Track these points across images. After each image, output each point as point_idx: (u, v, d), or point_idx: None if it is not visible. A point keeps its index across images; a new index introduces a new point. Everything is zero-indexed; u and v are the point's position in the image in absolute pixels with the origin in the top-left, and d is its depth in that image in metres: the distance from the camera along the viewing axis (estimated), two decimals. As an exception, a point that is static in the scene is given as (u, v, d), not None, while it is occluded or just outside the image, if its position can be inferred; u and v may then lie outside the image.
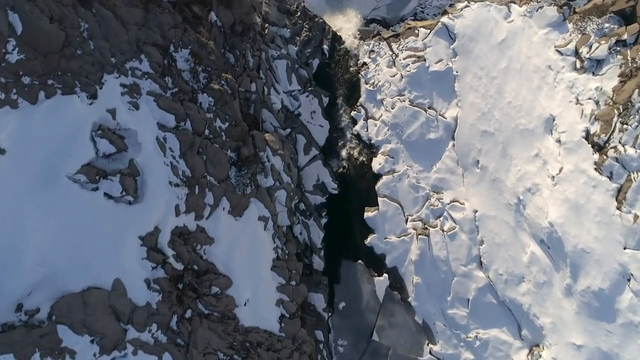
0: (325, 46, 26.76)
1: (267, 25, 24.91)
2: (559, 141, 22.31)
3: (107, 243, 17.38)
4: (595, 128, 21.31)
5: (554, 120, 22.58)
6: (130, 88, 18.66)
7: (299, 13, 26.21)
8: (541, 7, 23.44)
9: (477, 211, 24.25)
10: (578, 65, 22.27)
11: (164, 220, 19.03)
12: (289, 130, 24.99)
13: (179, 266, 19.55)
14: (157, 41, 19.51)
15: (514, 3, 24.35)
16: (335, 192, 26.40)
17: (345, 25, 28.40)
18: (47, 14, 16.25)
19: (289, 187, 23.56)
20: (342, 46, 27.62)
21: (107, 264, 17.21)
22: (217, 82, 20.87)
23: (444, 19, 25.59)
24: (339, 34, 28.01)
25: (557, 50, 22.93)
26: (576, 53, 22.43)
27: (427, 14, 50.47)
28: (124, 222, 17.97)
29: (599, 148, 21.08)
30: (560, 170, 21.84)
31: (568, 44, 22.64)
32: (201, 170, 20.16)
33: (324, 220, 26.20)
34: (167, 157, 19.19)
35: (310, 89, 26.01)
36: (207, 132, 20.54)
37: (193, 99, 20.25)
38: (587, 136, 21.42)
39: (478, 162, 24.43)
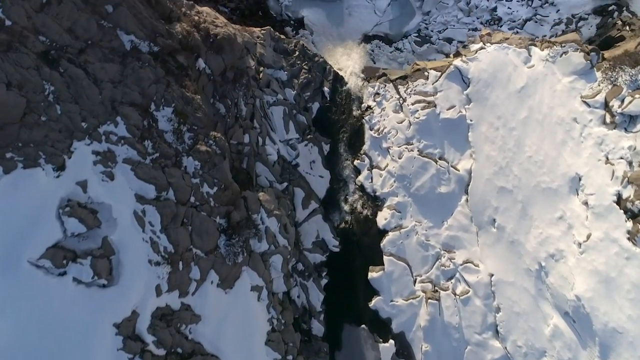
0: (326, 88, 24.41)
1: (262, 68, 22.60)
2: (586, 204, 20.04)
3: (76, 334, 15.23)
4: (628, 192, 19.06)
5: (580, 180, 20.33)
6: (104, 156, 16.38)
7: (297, 52, 23.87)
8: (565, 52, 21.17)
9: (493, 275, 21.95)
10: (608, 120, 20.02)
11: (142, 303, 16.76)
12: (285, 184, 22.68)
13: (161, 352, 17.28)
14: (135, 100, 17.20)
15: (535, 46, 22.07)
16: (337, 249, 24.06)
17: (349, 62, 26.07)
18: (3, 79, 13.99)
19: (286, 251, 21.25)
20: (344, 88, 25.27)
21: (76, 359, 15.07)
22: (205, 142, 18.56)
23: (457, 61, 23.27)
24: (341, 73, 25.67)
25: (584, 102, 20.66)
26: (606, 106, 20.16)
27: (432, 31, 48.12)
28: (96, 308, 15.79)
29: (633, 215, 18.82)
30: (588, 237, 19.58)
31: (596, 95, 20.36)
32: (186, 243, 17.85)
33: (324, 281, 23.85)
34: (146, 232, 16.91)
35: (309, 136, 23.69)
36: (192, 199, 18.23)
37: (177, 163, 17.94)
38: (619, 201, 19.18)
39: (494, 221, 22.12)
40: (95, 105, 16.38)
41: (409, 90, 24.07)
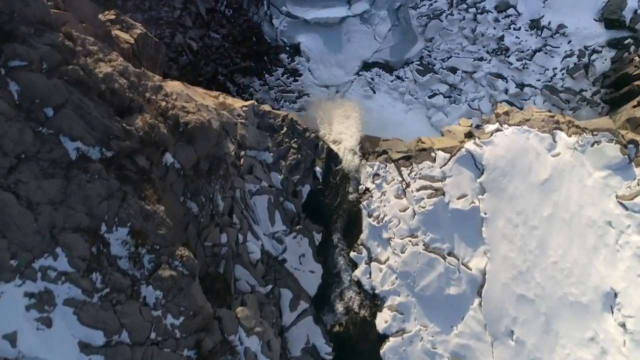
0: (318, 168, 21.24)
1: (243, 152, 19.46)
2: (623, 326, 17.01)
3: None
4: (675, 319, 16.01)
5: (615, 296, 17.33)
6: (40, 298, 13.28)
7: (285, 129, 20.70)
8: (598, 142, 18.14)
9: (511, 396, 18.84)
10: (650, 228, 16.95)
11: None
12: (270, 286, 19.52)
13: None
14: (81, 223, 14.04)
15: (560, 130, 18.96)
16: (330, 357, 20.88)
17: (346, 131, 22.88)
18: None
19: (269, 373, 18.11)
20: (339, 167, 22.08)
21: None
22: (169, 264, 15.39)
23: (469, 144, 20.13)
24: (335, 149, 22.49)
25: (620, 203, 17.65)
26: (647, 210, 17.10)
27: (435, 59, 44.99)
28: None
29: (682, 348, 15.77)
30: (627, 367, 16.53)
31: (636, 196, 17.37)
32: (145, 392, 14.69)
33: (314, 394, 20.71)
34: (92, 387, 13.79)
35: (298, 227, 20.52)
36: (153, 335, 15.06)
37: (134, 295, 14.77)
38: (665, 328, 16.11)
39: (512, 332, 19.01)
40: (29, 236, 13.23)
41: (413, 174, 20.94)
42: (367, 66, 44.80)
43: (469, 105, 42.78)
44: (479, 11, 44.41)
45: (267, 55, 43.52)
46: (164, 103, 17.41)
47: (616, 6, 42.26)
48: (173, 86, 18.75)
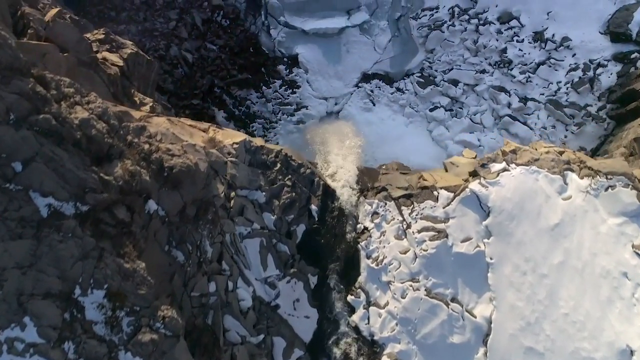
0: (313, 206, 20.02)
1: (233, 193, 18.26)
2: (640, 387, 15.78)
3: None
4: (698, 384, 14.82)
5: (632, 354, 16.12)
6: (4, 374, 12.07)
7: (278, 165, 19.48)
8: (612, 187, 16.96)
9: None
10: (669, 282, 15.77)
11: None
12: (262, 336, 18.31)
13: None
14: (52, 289, 12.84)
15: (572, 171, 17.74)
16: (325, 408, 19.73)
17: (343, 165, 21.63)
18: None
19: None
20: (336, 204, 20.86)
21: None
22: (150, 326, 14.19)
23: (474, 184, 18.94)
24: (332, 185, 21.27)
25: (637, 253, 16.51)
26: (666, 263, 15.92)
27: (436, 71, 43.93)
28: None
29: None
30: None
31: (653, 247, 16.12)
32: None
33: None
34: None
35: (292, 270, 19.31)
36: (132, 405, 13.85)
37: (111, 362, 13.56)
38: (686, 393, 14.93)
39: (520, 387, 17.83)
40: (-8, 305, 12.07)
41: (414, 214, 19.74)
42: (366, 78, 43.84)
43: (470, 119, 41.69)
44: (481, 22, 43.33)
45: (265, 67, 42.45)
46: (147, 146, 16.20)
47: (622, 19, 41.09)
48: (158, 124, 17.55)
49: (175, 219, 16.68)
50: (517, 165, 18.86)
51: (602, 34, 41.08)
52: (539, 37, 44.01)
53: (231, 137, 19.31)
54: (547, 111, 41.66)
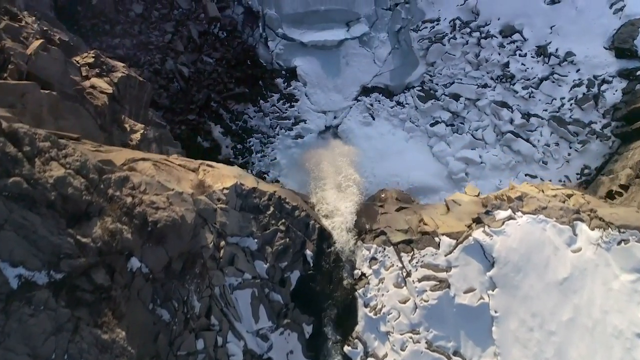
0: (308, 251, 19.01)
1: (223, 242, 17.26)
2: None
3: None
4: None
5: (645, 421, 15.07)
6: None
7: (271, 209, 18.47)
8: (625, 241, 15.99)
9: None
10: (686, 347, 14.77)
11: None
12: (253, 393, 17.38)
13: None
14: (19, 370, 11.81)
15: (582, 221, 16.75)
16: None
17: (340, 206, 20.61)
18: None
19: None
20: (332, 248, 19.85)
21: None
22: (130, 403, 13.19)
23: (478, 232, 17.94)
24: (328, 226, 20.26)
25: (652, 314, 15.40)
26: (683, 325, 14.92)
27: (437, 84, 43.03)
28: None
29: None
30: None
31: (669, 308, 15.11)
32: None
33: None
34: None
35: (286, 321, 18.31)
36: None
37: None
38: None
39: None
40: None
41: (414, 262, 18.74)
42: (366, 91, 43.03)
43: (472, 135, 40.80)
44: (482, 35, 42.43)
45: (262, 80, 41.51)
46: (129, 199, 15.18)
47: (627, 35, 40.08)
48: (143, 170, 16.54)
49: (160, 275, 15.67)
50: (524, 213, 17.87)
51: (606, 49, 40.08)
52: (542, 51, 43.00)
53: (222, 179, 18.33)
54: (551, 128, 40.68)
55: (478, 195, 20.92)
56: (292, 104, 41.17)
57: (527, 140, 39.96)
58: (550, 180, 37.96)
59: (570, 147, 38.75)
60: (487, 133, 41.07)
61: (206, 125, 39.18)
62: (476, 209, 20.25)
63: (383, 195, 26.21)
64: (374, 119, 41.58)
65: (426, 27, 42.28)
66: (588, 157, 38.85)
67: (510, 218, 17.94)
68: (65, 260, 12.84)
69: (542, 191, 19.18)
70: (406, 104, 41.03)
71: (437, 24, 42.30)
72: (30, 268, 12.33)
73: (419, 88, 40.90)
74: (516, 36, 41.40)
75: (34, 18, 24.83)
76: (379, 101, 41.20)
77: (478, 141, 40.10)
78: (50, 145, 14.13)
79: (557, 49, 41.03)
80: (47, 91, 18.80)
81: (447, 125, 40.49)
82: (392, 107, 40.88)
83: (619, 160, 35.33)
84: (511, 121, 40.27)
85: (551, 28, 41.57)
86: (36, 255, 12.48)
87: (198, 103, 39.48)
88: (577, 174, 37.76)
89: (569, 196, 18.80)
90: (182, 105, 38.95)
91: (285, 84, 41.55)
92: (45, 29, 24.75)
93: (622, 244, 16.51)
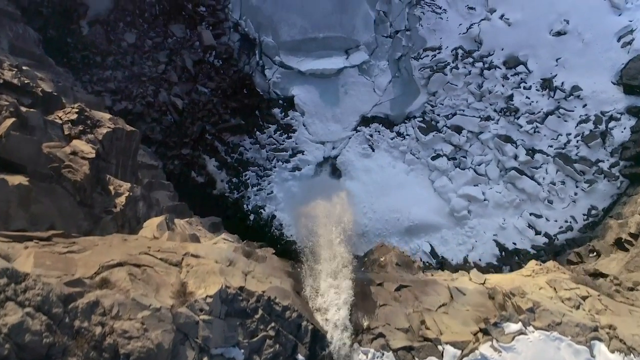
0: (301, 356, 17.53)
1: (205, 358, 15.77)
2: None
3: None
4: None
5: None
6: None
7: (260, 312, 16.96)
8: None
9: None
10: None
11: None
12: None
13: None
14: None
15: (600, 340, 15.16)
16: None
17: (335, 301, 19.00)
18: None
19: None
20: (326, 351, 18.30)
21: None
22: None
23: (485, 347, 16.39)
24: (322, 322, 18.71)
25: None
26: None
27: (438, 115, 41.46)
28: None
29: None
30: None
31: None
32: None
33: None
34: None
35: None
36: None
37: None
38: None
39: None
40: None
41: (417, 374, 17.26)
42: (365, 121, 41.54)
43: (475, 170, 39.27)
44: (486, 66, 40.77)
45: (259, 110, 39.92)
46: (99, 329, 13.63)
47: (636, 71, 38.30)
48: (117, 282, 14.97)
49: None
50: (536, 328, 16.30)
51: (614, 84, 38.30)
52: (547, 84, 41.19)
53: (206, 281, 16.81)
54: (556, 165, 39.04)
55: (484, 283, 19.35)
56: (290, 134, 39.67)
57: (532, 178, 38.38)
58: (556, 221, 36.47)
59: (577, 187, 37.21)
60: (490, 168, 39.54)
61: (200, 159, 37.71)
62: (482, 300, 18.74)
63: (382, 259, 24.68)
64: (373, 151, 40.06)
65: (427, 55, 40.57)
66: (595, 197, 37.37)
67: (521, 333, 16.38)
68: None
69: (555, 289, 17.57)
70: (407, 135, 39.47)
71: (439, 52, 40.56)
72: None
73: (420, 119, 39.32)
74: (520, 68, 39.67)
75: (15, 71, 23.16)
76: (378, 132, 39.67)
77: (481, 177, 38.50)
78: (6, 282, 12.57)
79: (562, 83, 39.29)
80: (16, 184, 17.40)
81: (448, 159, 38.98)
82: (392, 139, 39.35)
83: (627, 203, 33.81)
84: (515, 157, 38.69)
85: (557, 60, 39.77)
86: None
87: (192, 136, 37.94)
88: (584, 214, 36.31)
89: (584, 298, 17.21)
90: (176, 139, 37.42)
91: (283, 114, 39.99)
92: (26, 81, 23.11)
93: (644, 370, 15.03)
